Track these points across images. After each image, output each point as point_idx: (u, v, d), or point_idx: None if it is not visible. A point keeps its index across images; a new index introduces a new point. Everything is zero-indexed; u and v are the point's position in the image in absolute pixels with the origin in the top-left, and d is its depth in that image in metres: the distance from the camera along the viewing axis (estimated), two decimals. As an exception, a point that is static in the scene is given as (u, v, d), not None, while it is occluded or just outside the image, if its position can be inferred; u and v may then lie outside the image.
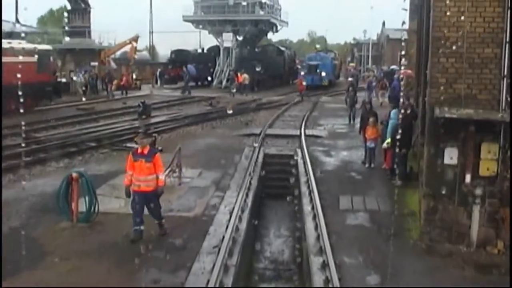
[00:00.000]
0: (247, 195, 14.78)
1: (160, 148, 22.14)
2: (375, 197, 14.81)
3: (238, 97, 45.71)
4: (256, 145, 22.06)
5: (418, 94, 31.00)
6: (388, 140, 16.59)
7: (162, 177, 11.93)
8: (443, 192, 11.20)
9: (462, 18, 10.64)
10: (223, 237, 11.29)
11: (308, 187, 15.70)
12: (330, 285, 9.25)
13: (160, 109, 37.43)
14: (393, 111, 17.38)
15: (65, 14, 48.75)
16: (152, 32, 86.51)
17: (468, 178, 10.99)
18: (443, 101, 10.93)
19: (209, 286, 9.13)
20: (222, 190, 15.68)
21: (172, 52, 69.07)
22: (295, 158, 19.93)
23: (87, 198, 12.66)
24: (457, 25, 10.75)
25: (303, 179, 16.87)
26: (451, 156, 11.04)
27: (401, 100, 22.69)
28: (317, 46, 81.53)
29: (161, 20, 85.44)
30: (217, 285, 9.14)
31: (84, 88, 44.50)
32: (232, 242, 11.13)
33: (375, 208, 13.91)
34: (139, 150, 11.84)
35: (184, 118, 31.95)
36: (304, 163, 18.85)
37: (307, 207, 13.77)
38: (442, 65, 10.92)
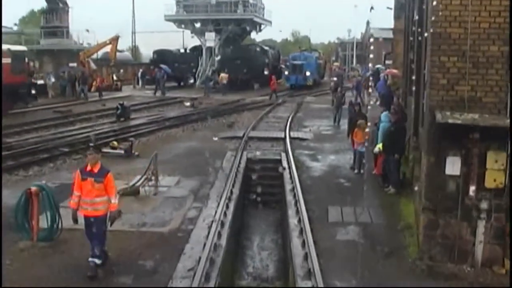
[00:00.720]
0: (227, 206, 13.58)
1: (136, 153, 21.06)
2: (367, 208, 13.64)
3: (220, 98, 44.51)
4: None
5: (406, 94, 30.16)
6: (380, 144, 15.46)
7: (115, 200, 9.99)
8: (444, 205, 10.09)
9: (465, 12, 9.51)
10: (200, 258, 10.06)
11: (294, 196, 14.55)
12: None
13: (140, 111, 36.11)
14: (384, 114, 16.30)
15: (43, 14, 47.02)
16: (134, 32, 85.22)
17: (472, 190, 9.85)
18: (444, 104, 9.80)
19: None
20: (201, 201, 14.46)
21: (154, 52, 67.63)
22: (281, 164, 18.81)
23: (48, 214, 11.39)
24: (459, 20, 9.61)
25: (288, 186, 15.71)
26: (453, 165, 9.90)
27: (394, 101, 21.76)
28: (300, 47, 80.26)
29: (145, 20, 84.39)
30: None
31: (57, 91, 43.08)
32: (210, 263, 9.93)
33: (367, 221, 12.76)
34: (88, 168, 10.00)
35: (164, 120, 30.69)
36: (289, 168, 17.72)
37: (293, 220, 12.61)
38: (443, 65, 9.77)
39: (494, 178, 9.71)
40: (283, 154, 20.24)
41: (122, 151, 20.91)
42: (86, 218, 10.02)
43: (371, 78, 48.20)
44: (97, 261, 9.75)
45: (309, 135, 25.46)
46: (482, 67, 9.63)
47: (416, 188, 12.82)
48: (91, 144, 13.11)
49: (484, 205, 9.81)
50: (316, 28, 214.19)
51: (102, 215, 9.92)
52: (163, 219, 12.90)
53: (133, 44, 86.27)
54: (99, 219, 9.91)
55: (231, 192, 14.83)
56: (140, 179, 15.71)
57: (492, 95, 9.64)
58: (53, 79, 43.88)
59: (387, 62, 72.51)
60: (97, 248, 9.76)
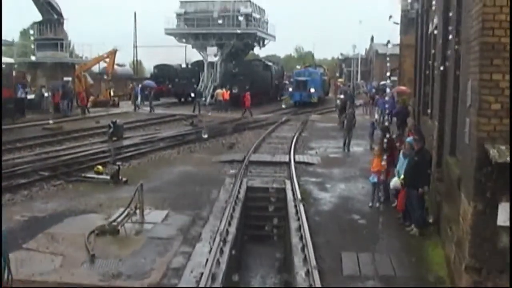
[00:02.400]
0: (221, 251, 11.35)
1: (124, 179, 18.85)
2: (387, 254, 11.41)
3: (221, 115, 42.42)
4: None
5: (419, 113, 28.00)
6: (402, 176, 13.23)
7: None
8: (495, 265, 7.87)
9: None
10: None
11: (301, 237, 12.32)
12: None
13: (135, 129, 33.98)
14: (408, 139, 14.08)
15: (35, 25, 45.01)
16: (136, 47, 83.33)
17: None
18: (497, 136, 7.63)
19: None
20: (190, 244, 12.20)
21: (154, 67, 65.92)
22: (285, 193, 16.63)
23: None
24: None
25: (293, 224, 13.47)
26: (508, 214, 7.70)
27: (409, 123, 19.54)
28: (304, 63, 78.16)
29: (148, 33, 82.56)
30: None
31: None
32: None
33: (389, 273, 10.49)
34: None
35: (159, 141, 28.53)
36: (295, 200, 15.51)
37: (300, 272, 10.35)
38: (496, 84, 7.61)
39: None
40: (288, 182, 18.03)
41: (108, 177, 18.74)
42: None
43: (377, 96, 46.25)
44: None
45: (315, 159, 23.23)
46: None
47: (448, 231, 10.63)
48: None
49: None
50: (319, 43, 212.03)
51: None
52: (143, 269, 10.63)
53: (135, 58, 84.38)
54: None
55: (227, 232, 12.59)
56: (122, 214, 13.52)
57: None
58: (46, 94, 41.84)
59: (392, 78, 70.82)
60: None
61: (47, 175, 19.29)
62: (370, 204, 15.34)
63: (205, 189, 17.36)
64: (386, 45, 76.84)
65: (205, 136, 27.96)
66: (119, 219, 13.33)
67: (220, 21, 53.29)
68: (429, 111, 22.90)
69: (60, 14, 45.49)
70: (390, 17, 69.63)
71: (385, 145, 15.02)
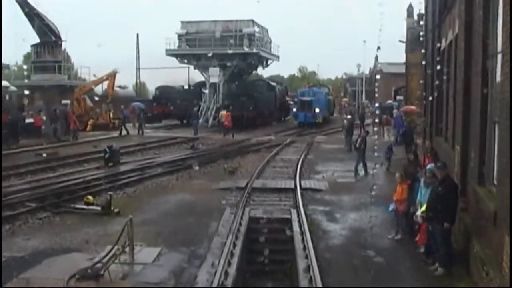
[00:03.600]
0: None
1: (116, 210, 17.38)
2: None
3: (224, 138, 41.01)
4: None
5: (431, 134, 26.53)
6: (423, 208, 11.71)
7: None
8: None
9: None
10: None
11: (310, 280, 10.81)
12: None
13: (134, 153, 32.55)
14: (430, 166, 12.60)
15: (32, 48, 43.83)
16: (138, 68, 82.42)
17: None
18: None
19: None
20: (183, 290, 10.73)
21: (156, 89, 64.69)
22: (291, 225, 15.16)
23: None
24: None
25: (301, 263, 11.96)
26: None
27: (426, 144, 18.08)
28: (308, 83, 76.67)
29: (153, 55, 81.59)
30: None
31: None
32: None
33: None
34: None
35: (157, 166, 27.02)
36: (303, 234, 14.01)
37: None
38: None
39: None
40: (294, 212, 16.54)
41: (99, 208, 17.28)
42: None
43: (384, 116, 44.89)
44: None
45: (323, 184, 21.72)
46: None
47: (483, 274, 9.12)
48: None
49: None
50: (323, 64, 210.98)
51: None
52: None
53: (138, 80, 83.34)
54: None
55: (226, 275, 11.09)
56: (108, 253, 12.01)
57: None
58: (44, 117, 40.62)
59: (397, 97, 69.50)
60: None
61: (34, 207, 17.82)
62: (392, 236, 13.81)
63: (204, 221, 15.88)
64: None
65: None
66: (104, 260, 11.81)
67: (222, 42, 52.14)
68: (444, 132, 21.48)
69: (58, 36, 44.36)
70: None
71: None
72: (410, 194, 13.18)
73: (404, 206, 13.33)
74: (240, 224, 15.16)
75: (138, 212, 17.25)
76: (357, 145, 24.45)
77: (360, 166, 23.73)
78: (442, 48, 22.80)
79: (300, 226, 14.69)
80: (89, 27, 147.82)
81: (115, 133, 44.88)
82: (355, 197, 19.24)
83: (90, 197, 17.91)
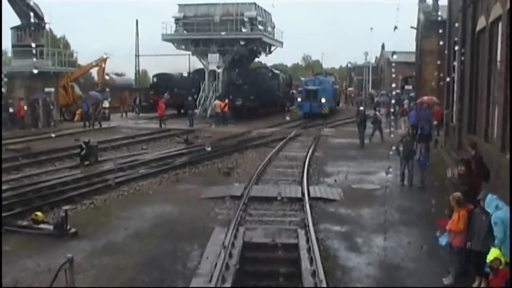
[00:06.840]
0: None
1: (73, 230, 13.52)
2: None
3: (223, 130, 37.21)
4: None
5: (460, 130, 22.62)
6: (497, 249, 7.83)
7: None
8: None
9: None
10: None
11: None
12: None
13: (118, 148, 28.83)
14: (491, 197, 8.67)
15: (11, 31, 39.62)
16: (138, 55, 78.32)
17: None
18: None
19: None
20: None
21: (153, 76, 60.89)
22: (298, 254, 11.36)
23: None
24: None
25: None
26: None
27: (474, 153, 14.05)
28: (313, 71, 72.39)
29: (153, 41, 77.68)
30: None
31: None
32: None
33: None
34: None
35: (141, 165, 23.17)
36: (315, 273, 10.17)
37: None
38: None
39: None
40: (301, 234, 12.69)
41: (51, 227, 13.42)
42: None
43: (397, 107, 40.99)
44: None
45: (336, 192, 17.79)
46: None
47: None
48: None
49: None
50: (327, 52, 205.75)
51: None
52: None
53: (137, 67, 79.26)
54: None
55: None
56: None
57: None
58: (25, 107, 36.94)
59: (406, 87, 65.34)
60: None
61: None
62: (447, 281, 9.88)
63: (183, 249, 12.03)
64: (392, 56, 71.80)
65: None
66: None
67: (221, 26, 48.21)
68: (483, 130, 17.60)
69: (41, 18, 40.20)
70: (395, 28, 64.23)
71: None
72: (469, 224, 9.29)
73: (461, 239, 9.43)
74: (231, 254, 11.33)
75: (103, 232, 13.49)
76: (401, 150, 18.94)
77: (407, 173, 18.84)
78: (479, 28, 18.90)
79: (311, 260, 10.82)
80: (94, 17, 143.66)
81: (105, 124, 41.25)
82: (377, 211, 15.34)
83: (39, 213, 13.89)
